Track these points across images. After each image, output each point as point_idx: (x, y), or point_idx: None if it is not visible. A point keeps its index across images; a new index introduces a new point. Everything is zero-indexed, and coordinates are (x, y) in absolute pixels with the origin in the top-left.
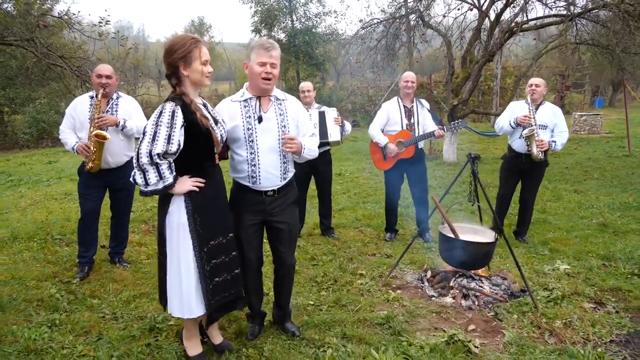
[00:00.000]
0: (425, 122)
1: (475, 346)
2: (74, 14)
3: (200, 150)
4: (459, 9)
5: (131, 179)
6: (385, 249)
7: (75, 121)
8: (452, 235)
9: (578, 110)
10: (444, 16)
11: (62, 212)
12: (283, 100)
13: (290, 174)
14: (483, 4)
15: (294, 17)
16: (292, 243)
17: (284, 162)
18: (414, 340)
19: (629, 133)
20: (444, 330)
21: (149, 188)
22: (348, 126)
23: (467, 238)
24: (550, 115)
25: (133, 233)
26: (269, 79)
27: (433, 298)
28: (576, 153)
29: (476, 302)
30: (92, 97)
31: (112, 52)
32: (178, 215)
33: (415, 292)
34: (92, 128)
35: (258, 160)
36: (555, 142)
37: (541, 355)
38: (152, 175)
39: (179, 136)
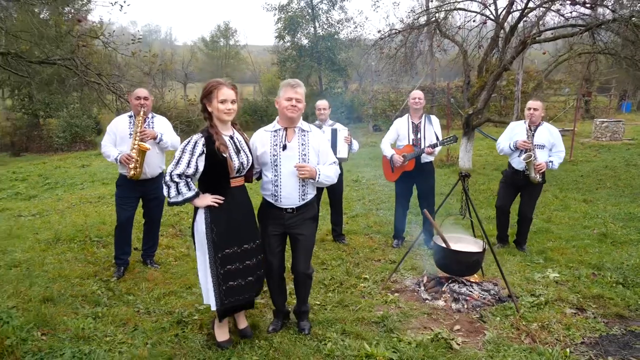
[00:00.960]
0: (432, 138)
1: (457, 343)
2: (109, 35)
3: (217, 173)
4: (474, 21)
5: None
6: (390, 255)
7: (116, 137)
8: (444, 245)
9: (603, 114)
10: (460, 28)
11: (97, 215)
12: (307, 131)
13: (310, 196)
14: (500, 14)
15: (317, 23)
16: (305, 253)
17: (302, 186)
18: (404, 337)
19: None
20: (432, 329)
21: (172, 200)
22: (355, 145)
23: (460, 248)
24: (548, 135)
25: (162, 236)
26: (295, 109)
27: (427, 301)
28: (594, 160)
29: (465, 306)
30: (130, 117)
31: (142, 58)
32: (200, 224)
33: (411, 295)
34: (135, 140)
35: (280, 182)
36: (552, 162)
37: (514, 353)
38: (173, 191)
39: (196, 162)
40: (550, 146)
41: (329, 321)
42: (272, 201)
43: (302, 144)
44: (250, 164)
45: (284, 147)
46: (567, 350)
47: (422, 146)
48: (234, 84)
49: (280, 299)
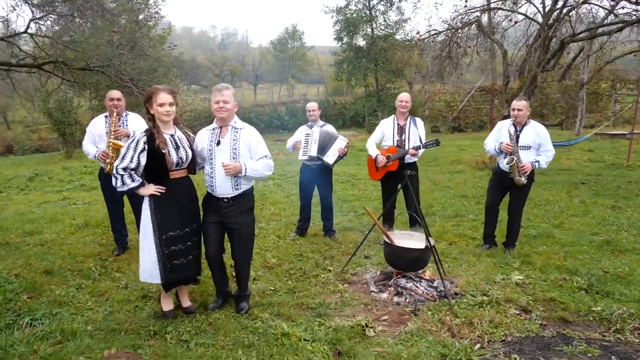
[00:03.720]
0: (416, 139)
1: (374, 332)
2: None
3: (157, 167)
4: (510, 20)
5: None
6: (368, 250)
7: (95, 136)
8: (389, 241)
9: None
10: (494, 28)
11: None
12: (240, 129)
13: (244, 187)
14: (547, 11)
15: (374, 25)
16: (242, 241)
17: (235, 177)
18: (329, 322)
19: None
20: (358, 318)
21: (118, 189)
22: (346, 157)
23: (411, 245)
24: (534, 135)
25: None
26: (223, 110)
27: (373, 293)
28: None
29: (407, 300)
30: (106, 117)
31: (213, 60)
32: (146, 211)
33: (361, 287)
34: (110, 138)
35: (215, 173)
36: (538, 161)
37: (422, 343)
38: (119, 182)
39: (138, 157)
40: (536, 146)
41: (271, 304)
42: (210, 191)
43: (234, 140)
44: (189, 158)
45: (218, 143)
46: (477, 345)
47: (406, 147)
48: (172, 89)
49: (220, 281)
